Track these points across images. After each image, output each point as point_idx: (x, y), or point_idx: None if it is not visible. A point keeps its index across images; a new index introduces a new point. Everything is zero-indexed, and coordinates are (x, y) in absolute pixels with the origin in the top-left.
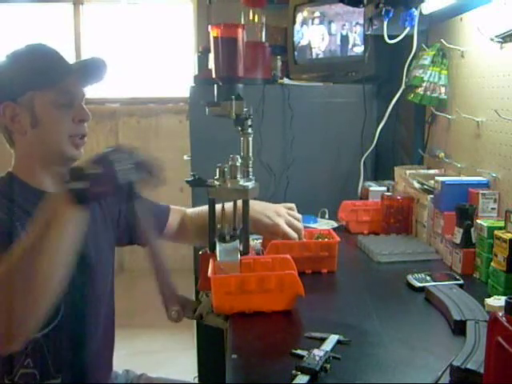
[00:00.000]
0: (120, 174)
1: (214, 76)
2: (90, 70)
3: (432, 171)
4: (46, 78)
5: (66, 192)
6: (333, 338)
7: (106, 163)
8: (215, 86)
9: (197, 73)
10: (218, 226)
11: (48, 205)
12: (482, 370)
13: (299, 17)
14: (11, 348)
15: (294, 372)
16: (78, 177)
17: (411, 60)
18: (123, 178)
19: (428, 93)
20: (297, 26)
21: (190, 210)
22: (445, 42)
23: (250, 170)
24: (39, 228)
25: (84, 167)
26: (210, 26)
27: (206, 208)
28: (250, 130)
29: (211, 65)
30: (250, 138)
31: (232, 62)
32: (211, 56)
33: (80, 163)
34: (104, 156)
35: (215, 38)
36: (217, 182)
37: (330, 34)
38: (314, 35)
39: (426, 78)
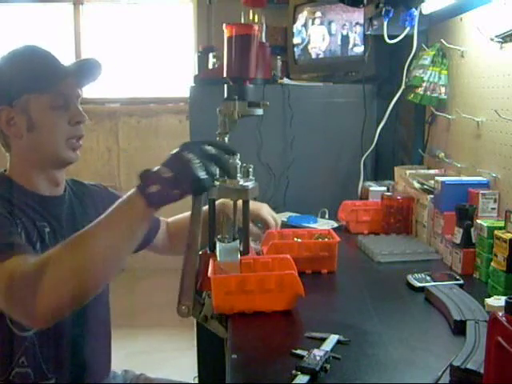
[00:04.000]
0: (193, 173)
1: (225, 75)
2: (85, 71)
3: (432, 171)
4: (41, 81)
5: (140, 195)
6: (333, 338)
7: (179, 164)
8: (225, 85)
9: (197, 73)
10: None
11: (122, 202)
12: (481, 370)
13: (299, 17)
14: (37, 323)
15: (293, 372)
16: (153, 180)
17: (411, 60)
18: (196, 178)
19: (428, 93)
20: (297, 26)
21: (171, 219)
22: (445, 42)
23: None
24: (108, 219)
25: (158, 170)
26: (224, 25)
27: (182, 215)
28: (225, 130)
29: (211, 65)
30: (226, 138)
31: (245, 61)
32: (211, 56)
33: (153, 167)
34: (177, 157)
35: (229, 38)
36: (217, 182)
37: (330, 34)
38: (314, 35)
39: (425, 78)
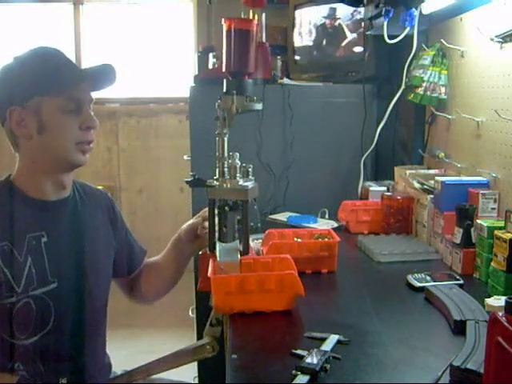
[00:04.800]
0: None
1: (223, 70)
2: (100, 76)
3: (432, 171)
4: (54, 83)
5: None
6: (333, 338)
7: None
8: (224, 80)
9: (197, 73)
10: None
11: None
12: (481, 370)
13: (299, 17)
14: None
15: (294, 372)
16: None
17: (411, 60)
18: None
19: (428, 93)
20: (297, 26)
21: (150, 260)
22: (445, 42)
23: (226, 170)
24: None
25: None
26: (223, 20)
27: (159, 257)
28: (225, 130)
29: (211, 65)
30: (226, 138)
31: (244, 55)
32: (211, 56)
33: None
34: None
35: (228, 32)
36: (216, 182)
37: (330, 33)
38: (314, 35)
39: (425, 78)
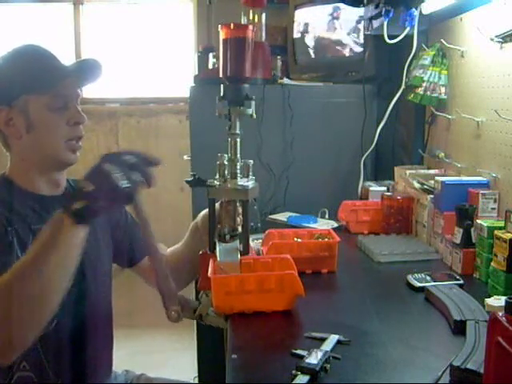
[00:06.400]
0: (113, 183)
1: (221, 75)
2: (85, 71)
3: (432, 171)
4: (39, 82)
5: (66, 214)
6: (333, 338)
7: (100, 177)
8: (222, 85)
9: (197, 73)
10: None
11: (49, 226)
12: (481, 370)
13: (299, 17)
14: (4, 360)
15: (294, 372)
16: (76, 197)
17: (411, 60)
18: (117, 188)
19: (428, 93)
20: (297, 26)
21: (170, 249)
22: (445, 42)
23: (238, 171)
24: (40, 246)
25: (80, 186)
26: (219, 26)
27: (178, 245)
28: (237, 131)
29: (211, 65)
30: (238, 139)
31: (240, 62)
32: (211, 56)
33: (77, 181)
34: (97, 169)
35: (224, 39)
36: (217, 182)
37: (330, 33)
38: (313, 35)
39: (425, 78)
